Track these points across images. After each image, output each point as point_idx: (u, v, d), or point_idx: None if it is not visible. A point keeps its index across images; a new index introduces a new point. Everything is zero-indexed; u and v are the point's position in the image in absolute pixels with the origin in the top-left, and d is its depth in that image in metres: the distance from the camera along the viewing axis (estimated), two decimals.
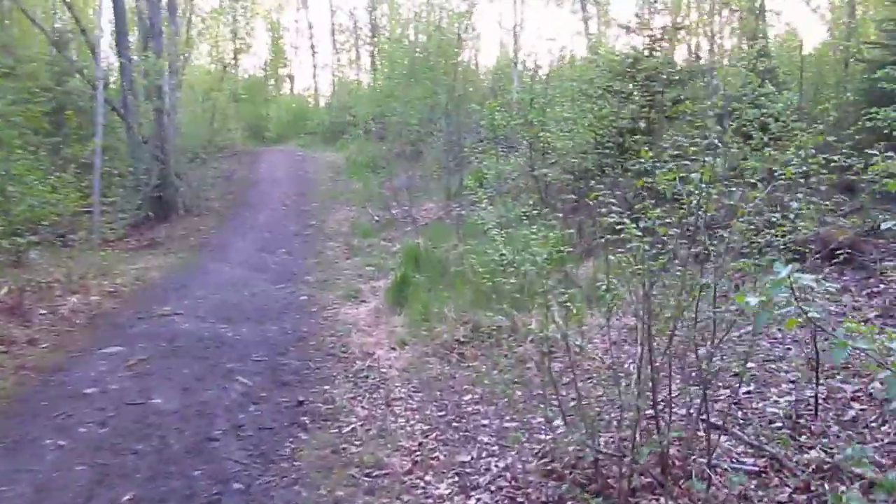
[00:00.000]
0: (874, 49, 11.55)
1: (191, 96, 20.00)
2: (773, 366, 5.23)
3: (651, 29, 10.16)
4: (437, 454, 4.68)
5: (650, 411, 4.00)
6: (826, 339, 4.15)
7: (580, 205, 8.99)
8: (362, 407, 5.56)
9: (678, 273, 3.67)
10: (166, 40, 16.77)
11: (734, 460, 3.93)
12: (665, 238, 3.56)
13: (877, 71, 8.20)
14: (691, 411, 4.13)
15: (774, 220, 3.83)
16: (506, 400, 5.14)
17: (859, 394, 4.54)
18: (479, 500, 4.04)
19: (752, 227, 3.76)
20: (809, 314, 1.99)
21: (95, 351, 6.84)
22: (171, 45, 17.18)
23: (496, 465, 4.42)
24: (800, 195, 3.98)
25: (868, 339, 2.03)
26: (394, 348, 6.98)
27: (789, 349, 5.52)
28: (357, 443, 4.88)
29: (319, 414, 5.40)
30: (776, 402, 4.66)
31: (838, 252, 5.62)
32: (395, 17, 32.70)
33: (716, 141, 3.43)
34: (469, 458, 4.58)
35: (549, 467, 4.16)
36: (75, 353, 6.87)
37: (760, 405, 4.64)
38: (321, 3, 57.54)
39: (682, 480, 3.70)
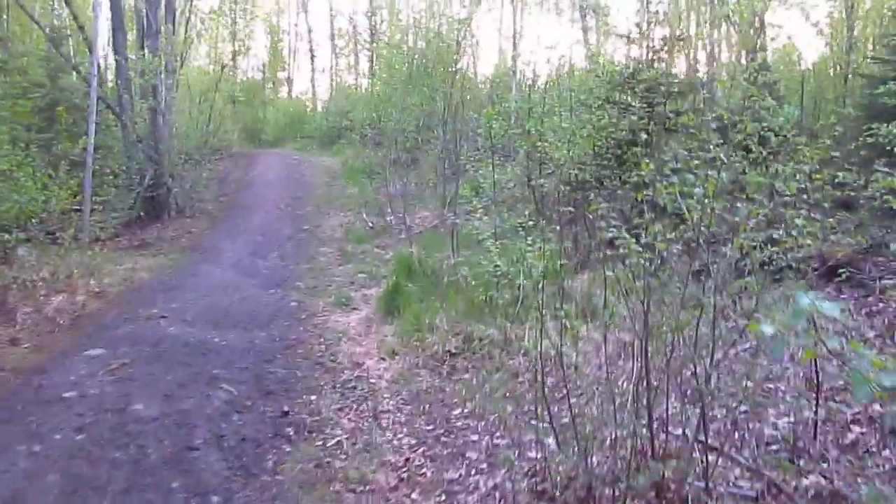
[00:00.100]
0: (874, 64, 11.49)
1: (187, 97, 19.82)
2: (771, 385, 5.10)
3: (651, 40, 10.07)
4: (424, 470, 4.54)
5: (645, 430, 3.88)
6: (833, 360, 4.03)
7: (576, 216, 8.88)
8: (349, 419, 5.42)
9: (677, 289, 3.54)
10: (164, 40, 16.62)
11: (731, 484, 3.80)
12: (665, 254, 3.43)
13: (879, 86, 8.12)
14: (687, 431, 4.01)
15: (777, 236, 3.71)
16: (496, 415, 5.00)
17: (859, 416, 4.41)
18: None
19: (754, 243, 3.65)
20: (829, 345, 1.86)
21: (77, 353, 6.68)
22: (169, 45, 17.02)
23: (485, 484, 4.27)
24: (803, 211, 3.86)
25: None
26: (383, 358, 6.83)
27: (787, 368, 5.39)
28: (342, 457, 4.74)
29: (304, 425, 5.24)
30: (774, 423, 4.53)
31: (840, 271, 5.51)
32: (394, 23, 32.70)
33: (721, 155, 3.31)
34: (457, 475, 4.44)
35: (539, 487, 4.02)
36: (57, 354, 6.72)
37: (758, 426, 4.51)
38: (321, 7, 57.61)
39: None
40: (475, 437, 4.97)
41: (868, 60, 12.41)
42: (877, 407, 4.37)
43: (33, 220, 9.26)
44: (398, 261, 9.87)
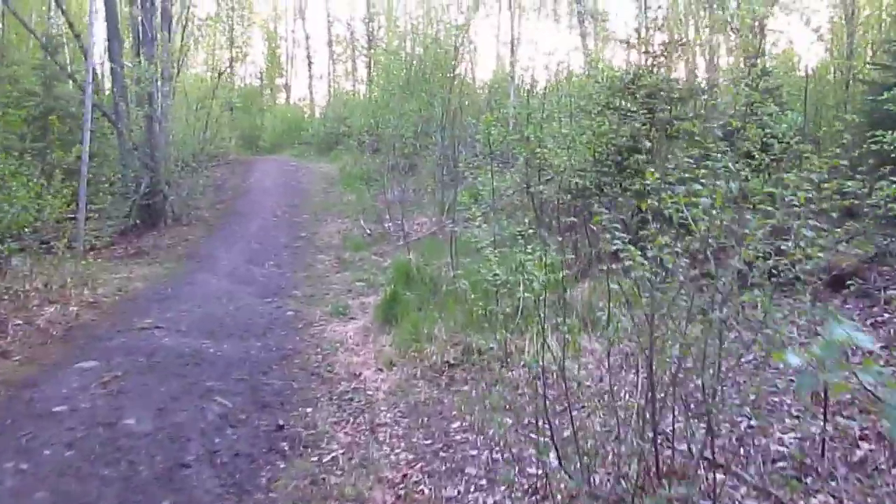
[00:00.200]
0: (874, 70, 11.40)
1: (184, 104, 19.76)
2: (776, 399, 4.99)
3: (651, 45, 9.97)
4: (421, 487, 4.42)
5: (649, 445, 3.78)
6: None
7: (576, 224, 8.78)
8: (345, 433, 5.30)
9: (684, 302, 3.43)
10: (159, 47, 16.55)
11: (737, 503, 3.69)
12: (671, 266, 3.32)
13: (883, 93, 8.01)
14: (692, 447, 3.90)
15: (785, 248, 3.60)
16: (496, 429, 4.87)
17: (867, 432, 4.30)
18: None
19: (760, 254, 3.54)
20: (865, 380, 1.75)
21: (70, 365, 6.56)
22: (165, 52, 16.95)
23: (484, 502, 4.16)
24: (811, 222, 3.75)
25: None
26: (381, 369, 6.71)
27: (792, 380, 5.28)
28: (338, 472, 4.62)
29: (300, 440, 5.12)
30: (780, 438, 4.42)
31: (849, 283, 5.40)
32: (392, 29, 32.62)
33: (729, 164, 3.21)
34: (456, 492, 4.32)
35: None
36: (49, 367, 6.59)
37: (763, 442, 4.40)
38: (318, 13, 57.58)
39: None
40: (474, 452, 4.85)
41: (868, 66, 12.31)
42: (885, 423, 4.26)
43: (26, 230, 9.14)
44: (396, 268, 9.76)
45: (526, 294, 3.85)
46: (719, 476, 3.82)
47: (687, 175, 3.38)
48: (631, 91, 9.34)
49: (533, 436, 4.58)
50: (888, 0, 16.51)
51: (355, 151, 20.27)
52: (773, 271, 3.63)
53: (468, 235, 8.82)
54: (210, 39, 29.17)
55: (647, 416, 3.82)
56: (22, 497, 4.14)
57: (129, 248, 13.90)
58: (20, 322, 7.66)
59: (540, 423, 4.22)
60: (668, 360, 3.69)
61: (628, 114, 9.07)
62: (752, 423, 4.61)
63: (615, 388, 4.92)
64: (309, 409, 5.72)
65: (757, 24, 15.29)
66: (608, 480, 3.93)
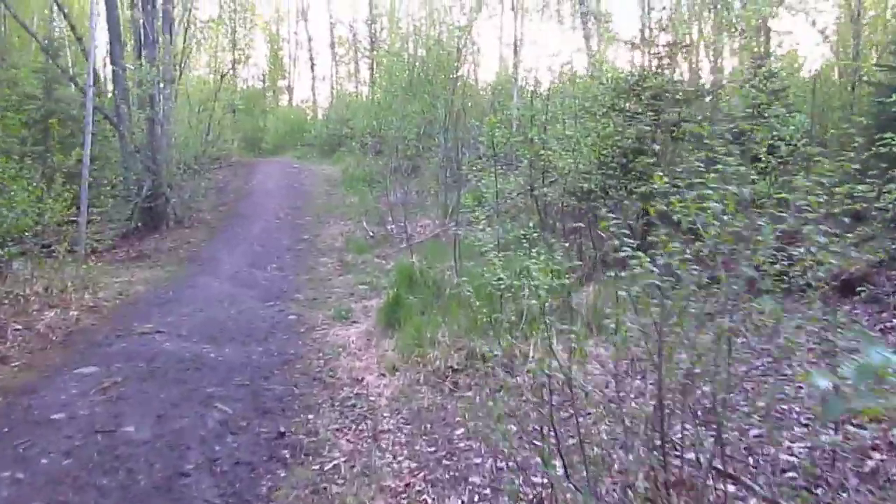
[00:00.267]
0: (880, 72, 11.30)
1: (187, 106, 19.72)
2: (784, 406, 4.90)
3: (657, 46, 9.89)
4: (424, 497, 4.33)
5: (657, 454, 3.70)
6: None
7: (581, 227, 8.69)
8: (347, 440, 5.21)
9: (693, 310, 3.34)
10: (161, 49, 16.50)
11: None
12: (681, 273, 3.24)
13: (891, 94, 7.93)
14: (700, 457, 3.82)
15: (796, 254, 3.51)
16: (500, 439, 4.78)
17: (878, 442, 4.22)
18: None
19: (771, 260, 3.46)
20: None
21: (69, 371, 6.49)
22: (166, 55, 16.91)
23: None
24: (822, 227, 3.67)
25: None
26: (384, 374, 6.62)
27: (801, 387, 5.19)
28: (340, 481, 4.53)
29: (301, 447, 5.04)
30: (789, 447, 4.34)
31: (859, 289, 5.32)
32: (394, 31, 32.58)
33: (740, 168, 3.13)
34: (459, 502, 4.24)
35: None
36: (48, 373, 6.51)
37: (773, 451, 4.31)
38: (321, 15, 57.56)
39: None
40: (478, 461, 4.76)
41: (875, 67, 12.20)
42: None
43: (27, 234, 9.07)
44: (399, 271, 9.68)
45: (532, 301, 3.74)
46: (729, 487, 3.75)
47: (697, 179, 3.29)
48: (636, 93, 9.26)
49: (538, 443, 4.51)
50: (893, 0, 16.41)
51: (358, 153, 20.22)
52: (784, 277, 3.55)
53: (472, 238, 8.74)
54: (212, 42, 29.10)
55: (655, 424, 3.74)
56: None
57: (130, 251, 13.86)
58: (19, 327, 7.59)
59: (545, 430, 4.14)
60: (676, 367, 3.62)
61: (634, 116, 8.98)
62: (761, 431, 4.53)
63: (621, 394, 4.85)
64: (310, 416, 5.64)
65: (762, 24, 15.19)
66: (615, 490, 3.85)
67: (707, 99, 10.73)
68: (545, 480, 4.08)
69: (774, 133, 7.00)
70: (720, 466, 3.76)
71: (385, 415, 5.70)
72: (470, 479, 4.50)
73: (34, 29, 20.57)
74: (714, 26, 16.13)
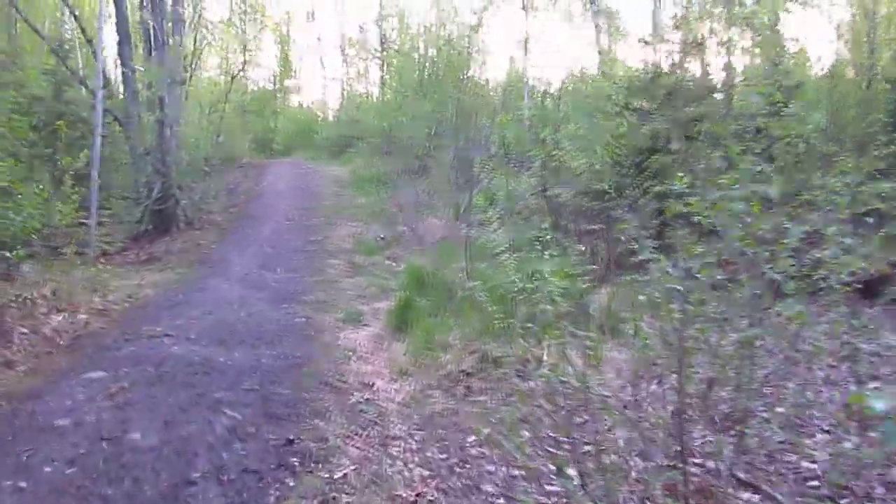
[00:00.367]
0: None
1: (197, 108, 19.71)
2: (805, 411, 4.75)
3: (671, 43, 9.76)
4: None
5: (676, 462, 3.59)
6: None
7: (595, 228, 8.57)
8: (357, 447, 5.09)
9: (715, 314, 3.23)
10: (171, 51, 16.47)
11: None
12: (703, 277, 3.12)
13: None
14: (720, 465, 3.70)
15: (822, 256, 3.39)
16: (514, 448, 4.66)
17: None
18: None
19: (794, 263, 3.35)
20: None
21: (76, 376, 6.39)
22: (176, 56, 16.88)
23: None
24: (845, 227, 3.54)
25: None
26: (394, 379, 6.52)
27: (821, 391, 5.05)
28: (349, 490, 4.41)
29: (310, 454, 4.91)
30: (811, 454, 4.20)
31: (880, 290, 5.17)
32: (404, 31, 32.50)
33: (763, 167, 3.01)
34: None
35: None
36: (54, 378, 6.42)
37: (794, 459, 4.18)
38: (330, 16, 57.57)
39: None
40: (491, 468, 4.65)
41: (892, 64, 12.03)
42: None
43: (34, 236, 9.02)
44: (409, 273, 9.59)
45: (547, 307, 3.62)
46: (750, 496, 3.64)
47: (721, 178, 3.17)
48: (650, 91, 9.13)
49: (552, 450, 4.40)
50: None
51: (368, 154, 20.13)
52: (807, 280, 3.44)
53: (483, 239, 8.64)
54: (222, 43, 29.10)
55: (674, 431, 3.63)
56: None
57: (140, 253, 13.80)
58: (26, 331, 7.50)
59: (559, 437, 4.02)
60: (694, 372, 3.51)
61: (648, 114, 8.85)
62: (782, 438, 4.39)
63: (637, 399, 4.73)
64: (320, 422, 5.52)
65: (776, 19, 15.02)
66: (632, 500, 3.73)
67: (720, 97, 10.59)
68: (560, 489, 3.97)
69: (792, 132, 6.86)
70: (741, 475, 3.65)
71: (395, 420, 5.59)
72: (483, 488, 4.38)
73: (46, 32, 20.62)
74: (727, 23, 15.95)
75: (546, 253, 5.63)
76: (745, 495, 3.57)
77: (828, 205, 3.40)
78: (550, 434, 4.53)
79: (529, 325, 5.03)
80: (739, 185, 3.23)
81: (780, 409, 4.40)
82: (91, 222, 11.64)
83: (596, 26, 25.28)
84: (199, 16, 20.67)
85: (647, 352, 3.63)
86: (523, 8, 25.89)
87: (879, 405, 1.62)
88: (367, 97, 32.07)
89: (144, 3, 16.77)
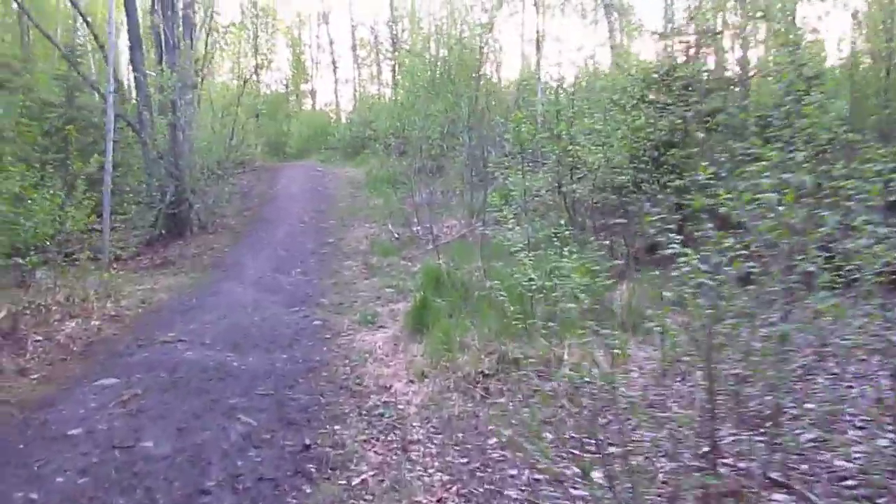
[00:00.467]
0: None
1: (210, 111, 19.68)
2: (836, 407, 4.58)
3: (688, 35, 9.60)
4: None
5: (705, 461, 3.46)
6: None
7: (617, 223, 8.41)
8: (375, 452, 4.97)
9: (745, 311, 3.08)
10: (182, 55, 16.44)
11: None
12: (734, 271, 2.98)
13: None
14: (751, 465, 3.56)
15: (854, 247, 3.24)
16: (537, 451, 4.52)
17: None
18: None
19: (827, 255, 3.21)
20: None
21: (89, 383, 6.32)
22: (188, 60, 16.84)
23: None
24: (876, 217, 3.39)
25: None
26: (412, 381, 6.38)
27: (851, 387, 4.88)
28: (368, 497, 4.29)
29: (327, 460, 4.79)
30: (844, 453, 4.03)
31: None
32: (415, 31, 32.44)
33: (794, 155, 2.87)
34: None
35: None
36: (67, 385, 6.35)
37: (827, 457, 4.02)
38: (342, 18, 57.66)
39: None
40: (514, 472, 4.51)
41: None
42: None
43: (48, 242, 8.96)
44: (426, 273, 9.45)
45: (569, 305, 3.49)
46: (783, 496, 3.50)
47: (748, 168, 3.03)
48: (666, 83, 8.96)
49: (576, 452, 4.26)
50: None
51: (381, 155, 20.03)
52: (840, 272, 3.30)
53: (500, 238, 8.50)
54: (235, 47, 29.13)
55: (703, 430, 3.49)
56: None
57: (154, 257, 13.78)
58: (40, 338, 7.44)
59: (583, 438, 3.88)
60: (722, 370, 3.37)
61: (665, 107, 8.68)
62: (813, 435, 4.23)
63: (663, 398, 4.59)
64: (337, 427, 5.40)
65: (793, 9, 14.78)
66: (661, 503, 3.59)
67: (737, 89, 10.41)
68: (586, 493, 3.83)
69: (814, 121, 6.68)
70: (773, 475, 3.51)
71: (414, 424, 5.45)
72: (506, 493, 4.24)
73: (58, 38, 20.67)
74: (742, 14, 15.74)
75: (565, 250, 5.50)
76: (778, 496, 3.41)
77: (859, 192, 3.24)
78: (574, 436, 4.39)
79: (550, 323, 4.87)
80: (768, 175, 3.10)
81: (809, 406, 4.26)
82: (104, 227, 11.58)
83: (609, 22, 25.16)
84: (211, 19, 20.64)
85: (675, 349, 3.49)
86: (535, 5, 25.76)
87: None
88: (380, 98, 32.03)
89: (155, 8, 16.75)
